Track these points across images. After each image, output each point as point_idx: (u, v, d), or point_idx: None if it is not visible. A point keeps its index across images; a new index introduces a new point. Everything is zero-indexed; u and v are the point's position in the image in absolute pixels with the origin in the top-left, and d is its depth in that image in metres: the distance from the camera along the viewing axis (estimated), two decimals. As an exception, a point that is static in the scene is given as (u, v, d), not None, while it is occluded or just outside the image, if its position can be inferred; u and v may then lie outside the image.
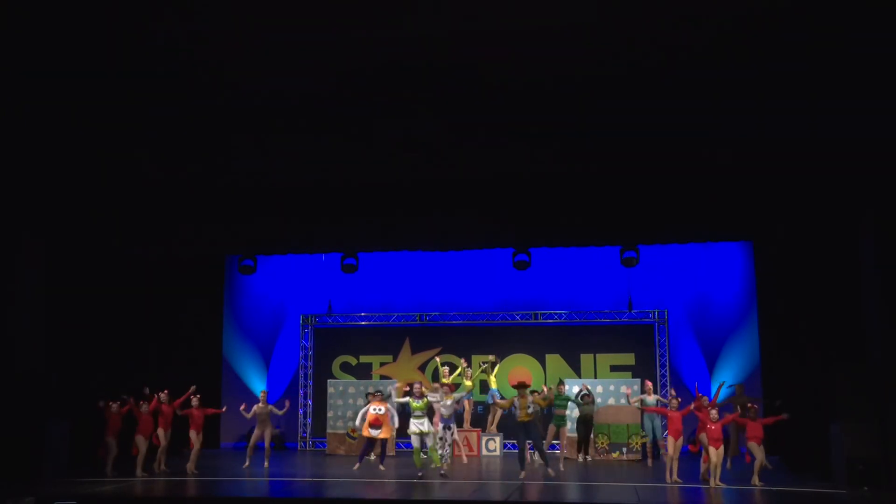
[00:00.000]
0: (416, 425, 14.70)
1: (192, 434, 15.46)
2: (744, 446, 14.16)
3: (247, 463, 16.41)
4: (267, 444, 16.78)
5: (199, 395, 15.77)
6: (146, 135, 13.05)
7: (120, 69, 11.09)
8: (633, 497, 12.41)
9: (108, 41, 10.42)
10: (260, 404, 16.82)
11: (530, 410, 14.79)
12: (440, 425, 15.42)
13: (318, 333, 21.52)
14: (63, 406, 15.33)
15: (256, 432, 16.81)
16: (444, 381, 17.20)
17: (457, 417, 19.42)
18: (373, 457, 17.50)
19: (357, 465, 15.90)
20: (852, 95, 11.33)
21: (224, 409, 17.43)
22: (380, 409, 16.40)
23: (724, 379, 18.78)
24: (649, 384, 17.71)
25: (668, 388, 19.41)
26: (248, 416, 16.60)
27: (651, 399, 17.21)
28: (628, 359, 20.11)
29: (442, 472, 14.29)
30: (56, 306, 15.54)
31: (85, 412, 15.38)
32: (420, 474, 14.29)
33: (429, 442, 14.68)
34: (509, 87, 11.59)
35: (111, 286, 17.08)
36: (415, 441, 14.73)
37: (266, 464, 16.44)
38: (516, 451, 18.36)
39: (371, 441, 16.62)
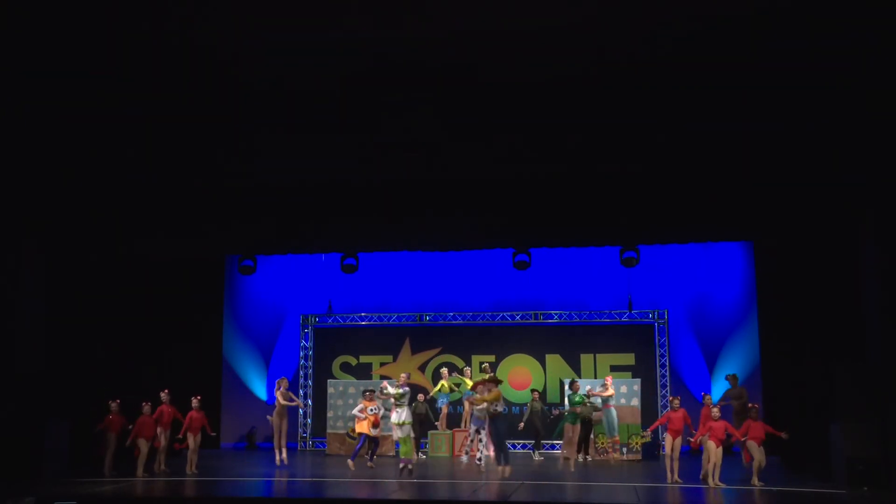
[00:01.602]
0: (397, 416, 14.90)
1: (189, 436, 15.43)
2: (741, 446, 14.13)
3: (278, 460, 16.39)
4: (284, 437, 16.67)
5: (199, 397, 15.74)
6: (146, 135, 13.07)
7: (120, 69, 11.11)
8: (633, 497, 12.40)
9: (108, 41, 10.44)
10: (282, 390, 16.76)
11: (488, 408, 14.67)
12: (472, 427, 15.80)
13: (318, 333, 21.52)
14: (63, 406, 15.32)
15: (276, 422, 16.63)
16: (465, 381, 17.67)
17: (457, 418, 19.51)
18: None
19: (352, 464, 15.89)
20: (852, 94, 11.36)
21: (213, 434, 16.66)
22: (376, 409, 16.50)
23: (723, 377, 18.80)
24: (608, 379, 17.78)
25: (668, 388, 19.45)
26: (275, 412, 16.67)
27: (608, 394, 17.39)
28: (628, 359, 20.11)
29: (410, 466, 14.41)
30: (56, 306, 15.54)
31: (85, 412, 15.38)
32: (410, 466, 14.41)
33: (404, 432, 14.81)
34: (509, 87, 11.61)
35: (111, 286, 17.08)
36: (398, 432, 14.86)
37: (284, 458, 16.38)
38: (514, 450, 18.38)
39: (368, 440, 16.63)
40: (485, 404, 14.62)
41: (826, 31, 9.98)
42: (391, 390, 15.28)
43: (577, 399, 16.46)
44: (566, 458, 16.76)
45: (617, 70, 11.15)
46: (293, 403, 17.14)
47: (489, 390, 14.66)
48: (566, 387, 17.34)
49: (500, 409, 14.64)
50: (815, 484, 13.63)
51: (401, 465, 14.58)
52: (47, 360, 15.28)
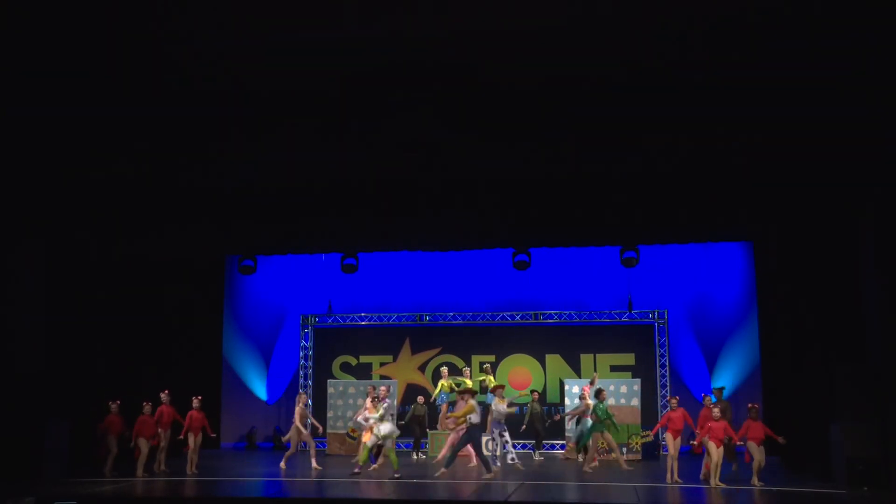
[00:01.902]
0: (377, 429, 14.90)
1: (189, 436, 15.40)
2: (743, 446, 14.11)
3: (284, 466, 16.08)
4: (312, 445, 16.48)
5: (199, 397, 15.70)
6: (147, 134, 13.07)
7: (120, 69, 11.10)
8: (632, 497, 12.40)
9: (109, 41, 10.43)
10: (300, 407, 16.17)
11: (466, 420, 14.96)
12: (495, 430, 16.21)
13: (318, 333, 21.52)
14: (63, 406, 15.31)
15: (295, 439, 16.08)
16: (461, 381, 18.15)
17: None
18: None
19: (375, 466, 15.97)
20: (852, 94, 11.35)
21: (213, 435, 16.55)
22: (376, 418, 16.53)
23: (723, 382, 18.76)
24: (586, 389, 16.95)
25: (668, 388, 19.45)
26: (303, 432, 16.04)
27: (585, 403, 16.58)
28: (628, 359, 20.12)
29: (397, 474, 14.49)
30: (56, 306, 15.53)
31: (85, 412, 15.37)
32: (358, 470, 14.79)
33: (387, 445, 14.97)
34: (509, 86, 11.59)
35: (111, 286, 17.06)
36: (372, 440, 14.92)
37: (316, 465, 16.08)
38: (515, 451, 18.32)
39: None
40: (464, 422, 14.90)
41: (825, 31, 9.98)
42: (370, 415, 15.10)
43: (601, 409, 15.80)
44: (592, 466, 15.82)
45: (616, 70, 11.14)
46: (303, 434, 16.07)
47: (465, 401, 14.78)
48: (592, 394, 16.46)
49: (475, 420, 14.81)
50: (815, 484, 13.64)
51: (356, 470, 14.82)
52: (47, 360, 15.28)
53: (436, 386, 19.33)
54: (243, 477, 15.21)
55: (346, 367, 21.35)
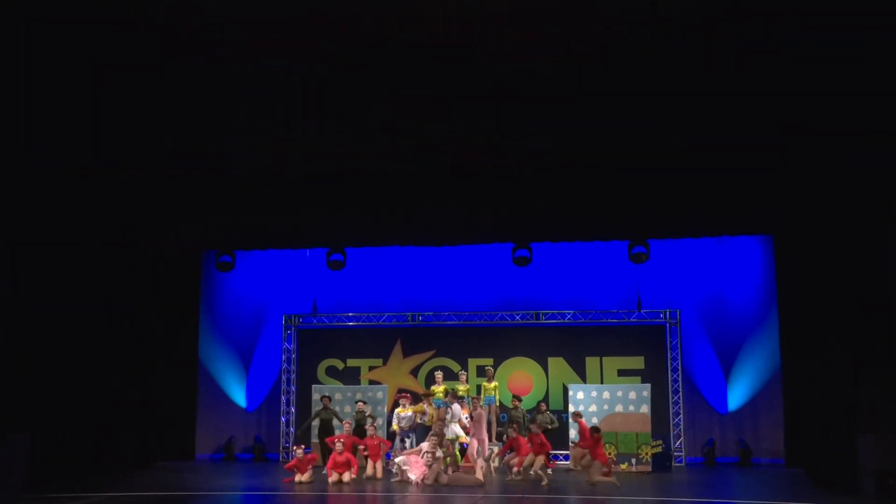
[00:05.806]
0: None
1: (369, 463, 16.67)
2: None
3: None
4: None
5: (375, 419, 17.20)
6: (121, 123, 12.97)
7: (98, 54, 11.04)
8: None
9: (91, 27, 10.38)
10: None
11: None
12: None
13: (302, 335, 21.39)
14: (23, 418, 15.11)
15: None
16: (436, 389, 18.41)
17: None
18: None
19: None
20: (875, 82, 11.32)
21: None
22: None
23: (741, 388, 18.74)
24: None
25: (681, 394, 19.34)
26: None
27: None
28: (637, 362, 20.03)
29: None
30: (16, 303, 15.32)
31: (47, 423, 15.19)
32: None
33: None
34: (509, 70, 11.56)
35: (78, 285, 16.83)
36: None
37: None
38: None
39: None
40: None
41: (850, 18, 9.94)
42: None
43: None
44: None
45: (625, 55, 11.12)
46: None
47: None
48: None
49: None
50: (841, 499, 13.54)
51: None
52: (5, 366, 15.08)
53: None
54: (221, 491, 15.09)
55: (332, 372, 21.24)
